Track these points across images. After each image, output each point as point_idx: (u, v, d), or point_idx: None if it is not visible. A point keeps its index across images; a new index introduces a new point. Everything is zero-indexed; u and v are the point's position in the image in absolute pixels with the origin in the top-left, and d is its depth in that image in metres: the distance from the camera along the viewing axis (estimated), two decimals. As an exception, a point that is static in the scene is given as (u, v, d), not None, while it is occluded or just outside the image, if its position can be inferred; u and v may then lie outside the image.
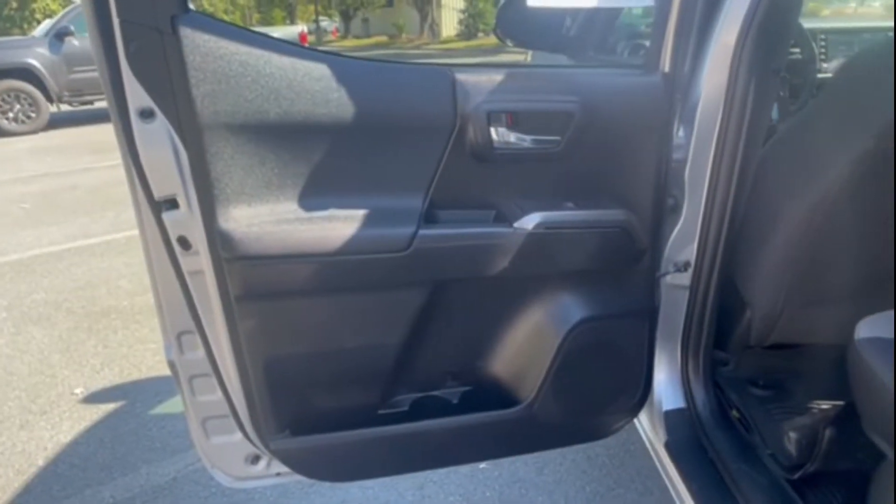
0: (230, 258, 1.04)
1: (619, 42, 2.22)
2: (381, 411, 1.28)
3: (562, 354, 1.25)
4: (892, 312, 1.00)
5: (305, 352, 1.17)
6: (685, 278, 1.28)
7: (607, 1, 1.94)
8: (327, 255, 1.08)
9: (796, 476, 1.18)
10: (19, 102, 8.02)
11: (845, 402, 1.20)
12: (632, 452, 1.95)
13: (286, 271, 1.08)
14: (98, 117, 8.72)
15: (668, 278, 1.29)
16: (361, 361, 1.21)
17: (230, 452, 1.27)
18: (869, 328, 0.99)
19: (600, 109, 1.15)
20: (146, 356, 2.67)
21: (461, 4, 25.35)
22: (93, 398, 2.39)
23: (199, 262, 1.05)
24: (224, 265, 1.05)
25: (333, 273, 1.10)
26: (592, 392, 1.35)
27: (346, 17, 31.05)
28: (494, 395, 1.32)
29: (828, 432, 1.14)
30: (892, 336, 0.96)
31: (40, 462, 2.04)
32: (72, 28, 8.17)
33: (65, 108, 8.60)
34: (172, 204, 1.01)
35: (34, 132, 8.13)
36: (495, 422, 1.31)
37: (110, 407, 2.32)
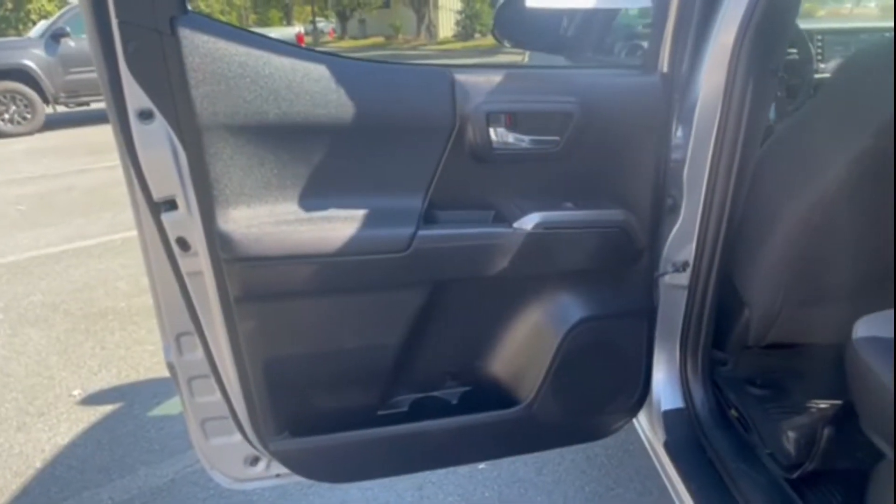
0: (229, 259, 1.04)
1: (616, 42, 2.22)
2: (380, 412, 1.28)
3: (561, 354, 1.25)
4: (890, 312, 1.00)
5: (305, 353, 1.17)
6: (684, 278, 1.28)
7: (606, 1, 1.94)
8: (327, 256, 1.08)
9: (795, 475, 1.18)
10: (15, 104, 8.01)
11: (843, 402, 1.21)
12: (631, 452, 1.95)
13: (285, 272, 1.08)
14: (94, 118, 8.70)
15: (667, 278, 1.29)
16: (361, 362, 1.21)
17: (229, 454, 1.27)
18: (867, 327, 0.99)
19: (599, 110, 1.15)
20: (144, 357, 2.66)
21: (458, 5, 25.37)
22: (90, 400, 2.38)
23: (199, 263, 1.05)
24: (223, 266, 1.04)
25: (333, 274, 1.10)
26: (591, 392, 1.35)
27: (343, 18, 31.04)
28: (494, 395, 1.32)
29: (826, 431, 1.15)
30: (890, 335, 0.96)
31: (38, 464, 2.04)
32: (68, 29, 8.16)
33: (61, 109, 8.58)
34: (171, 205, 1.01)
35: (30, 133, 8.10)
36: (495, 422, 1.31)
37: (108, 408, 2.32)
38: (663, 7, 1.15)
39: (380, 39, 27.71)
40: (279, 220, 1.05)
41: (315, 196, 1.07)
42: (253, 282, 1.07)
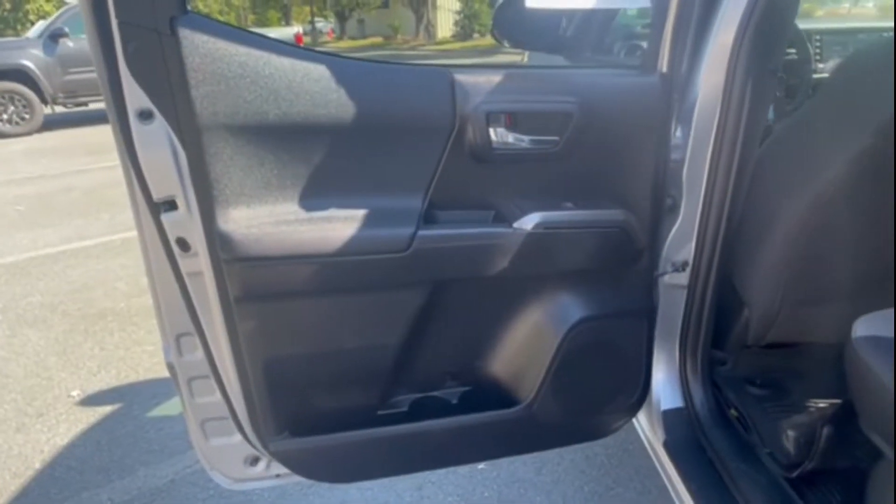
0: (229, 259, 1.04)
1: (615, 43, 2.23)
2: (380, 412, 1.28)
3: (561, 354, 1.25)
4: (889, 311, 1.01)
5: (305, 353, 1.17)
6: (683, 278, 1.28)
7: (605, 2, 1.94)
8: (327, 256, 1.08)
9: (794, 474, 1.19)
10: (13, 104, 7.99)
11: (842, 401, 1.21)
12: (630, 452, 1.95)
13: (286, 272, 1.08)
14: (93, 119, 8.70)
15: (667, 278, 1.30)
16: (361, 362, 1.21)
17: (229, 454, 1.27)
18: (866, 327, 1.00)
19: (599, 110, 1.15)
20: (143, 358, 2.66)
21: (457, 6, 25.38)
22: (89, 400, 2.38)
23: (199, 263, 1.05)
24: (223, 266, 1.04)
25: (333, 274, 1.10)
26: (591, 392, 1.35)
27: (342, 19, 31.02)
28: (494, 395, 1.32)
29: (825, 431, 1.15)
30: (889, 334, 0.96)
31: (37, 465, 2.04)
32: (66, 29, 8.15)
33: (59, 109, 8.56)
34: (171, 205, 1.01)
35: (28, 134, 8.09)
36: (495, 422, 1.31)
37: (107, 409, 2.31)
38: (663, 7, 1.16)
39: (378, 39, 27.70)
40: (279, 221, 1.05)
41: (315, 196, 1.07)
42: (253, 282, 1.07)
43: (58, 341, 2.83)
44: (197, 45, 0.93)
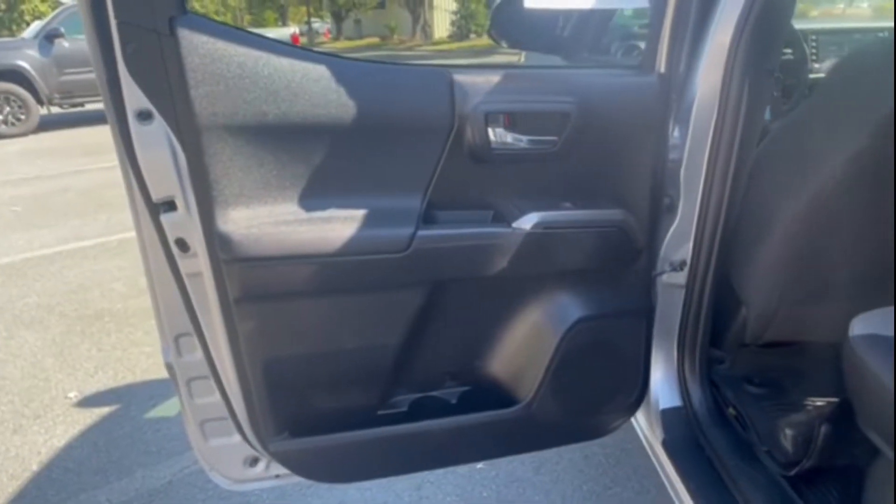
0: (229, 260, 1.04)
1: (612, 43, 2.23)
2: (380, 412, 1.28)
3: (560, 354, 1.26)
4: (886, 309, 1.01)
5: (304, 353, 1.17)
6: (681, 277, 1.28)
7: (604, 2, 1.95)
8: (326, 257, 1.08)
9: (793, 472, 1.19)
10: (9, 105, 7.96)
11: (840, 399, 1.21)
12: (628, 451, 1.95)
13: (285, 273, 1.08)
14: (89, 119, 8.67)
15: (665, 277, 1.30)
16: (360, 362, 1.21)
17: (229, 455, 1.27)
18: (863, 325, 1.00)
19: (597, 110, 1.15)
20: (140, 359, 2.65)
21: (453, 6, 25.39)
22: (87, 402, 2.37)
23: (198, 264, 1.05)
24: (223, 267, 1.04)
25: (332, 274, 1.10)
26: (590, 391, 1.36)
27: (338, 19, 30.99)
28: (493, 394, 1.32)
29: (823, 429, 1.15)
30: (886, 332, 0.96)
31: (34, 467, 2.03)
32: (62, 30, 8.12)
33: (55, 110, 8.54)
34: (170, 206, 1.01)
35: (24, 135, 8.06)
36: (494, 421, 1.31)
37: (104, 410, 2.31)
38: (661, 7, 1.16)
39: (375, 40, 27.69)
40: (278, 221, 1.05)
41: (314, 196, 1.07)
42: (252, 282, 1.07)
43: (55, 342, 2.82)
44: (196, 45, 0.93)
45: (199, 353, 1.14)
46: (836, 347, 1.04)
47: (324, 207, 1.07)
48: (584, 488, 1.84)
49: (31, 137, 8.04)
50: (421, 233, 1.11)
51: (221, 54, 0.95)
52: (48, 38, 8.08)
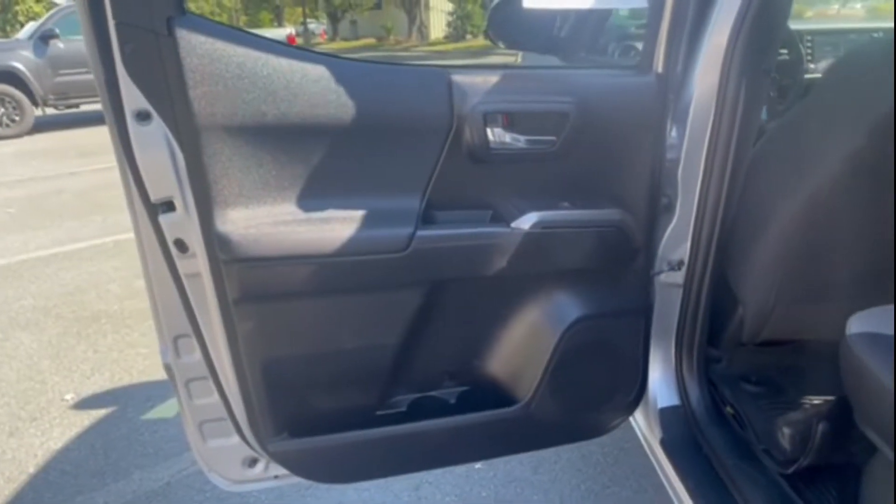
0: (228, 260, 1.04)
1: (609, 43, 2.24)
2: (379, 412, 1.28)
3: (558, 353, 1.26)
4: (882, 308, 1.02)
5: (303, 353, 1.17)
6: (679, 276, 1.29)
7: (602, 2, 1.96)
8: (325, 257, 1.08)
9: (790, 470, 1.20)
10: (3, 106, 7.92)
11: (837, 397, 1.22)
12: (626, 450, 1.96)
13: (284, 273, 1.08)
14: (84, 120, 8.63)
15: (663, 277, 1.30)
16: (359, 362, 1.21)
17: (227, 456, 1.26)
18: (860, 323, 1.01)
19: (595, 110, 1.16)
20: (137, 360, 2.64)
21: (449, 7, 25.41)
22: (83, 404, 2.37)
23: (197, 264, 1.05)
24: (222, 267, 1.04)
25: (331, 274, 1.10)
26: (588, 390, 1.36)
27: (334, 20, 30.97)
28: (492, 394, 1.33)
29: (820, 427, 1.16)
30: (883, 330, 0.97)
31: (31, 469, 2.02)
32: (56, 31, 8.08)
33: (50, 111, 8.50)
34: (169, 206, 1.01)
35: (19, 136, 8.02)
36: (492, 421, 1.31)
37: (101, 412, 2.30)
38: (658, 8, 1.17)
39: (371, 41, 27.67)
40: (278, 221, 1.05)
41: (313, 196, 1.07)
42: (251, 283, 1.07)
43: (51, 344, 2.81)
44: (194, 45, 0.93)
45: (198, 354, 1.13)
46: (832, 346, 1.04)
47: (323, 208, 1.07)
48: (582, 487, 1.85)
49: (26, 139, 8.00)
50: (420, 233, 1.11)
51: (220, 55, 0.95)
52: (43, 38, 8.04)
